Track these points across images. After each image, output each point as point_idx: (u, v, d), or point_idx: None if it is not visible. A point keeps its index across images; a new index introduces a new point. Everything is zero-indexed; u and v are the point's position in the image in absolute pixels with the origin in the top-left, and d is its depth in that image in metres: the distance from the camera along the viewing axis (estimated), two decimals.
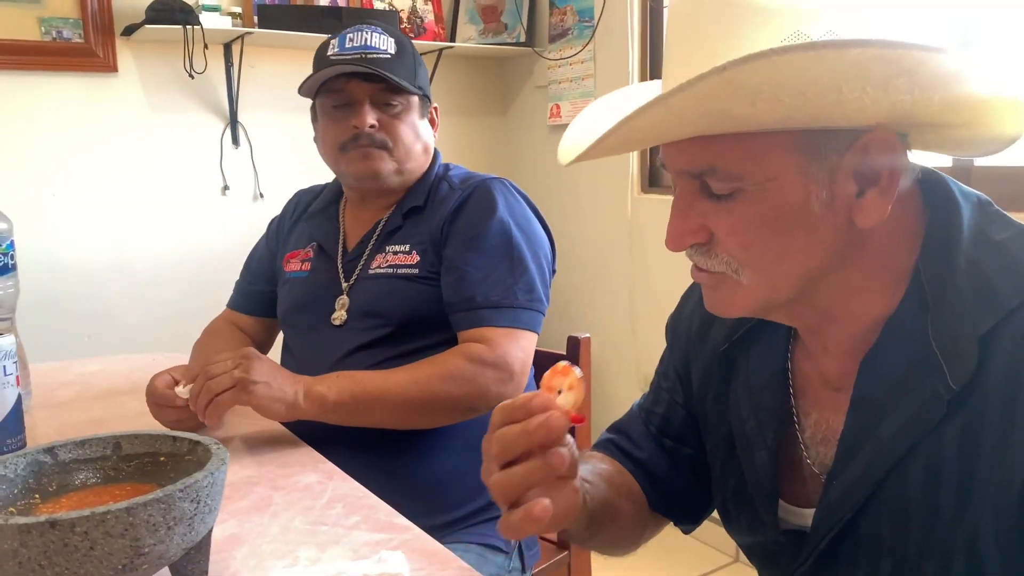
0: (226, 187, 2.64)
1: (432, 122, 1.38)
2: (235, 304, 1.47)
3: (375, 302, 1.26)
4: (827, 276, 0.66)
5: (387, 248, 1.29)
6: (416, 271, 1.25)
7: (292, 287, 1.36)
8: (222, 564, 0.78)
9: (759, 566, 0.84)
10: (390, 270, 1.26)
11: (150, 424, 1.15)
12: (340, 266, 1.33)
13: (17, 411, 1.08)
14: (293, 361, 1.32)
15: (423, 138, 1.33)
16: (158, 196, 2.55)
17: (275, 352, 1.48)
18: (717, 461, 0.83)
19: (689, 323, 0.87)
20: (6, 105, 2.30)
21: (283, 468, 1.03)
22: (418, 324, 1.24)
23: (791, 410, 0.75)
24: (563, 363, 0.65)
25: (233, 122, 2.62)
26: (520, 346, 1.18)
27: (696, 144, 0.63)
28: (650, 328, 2.67)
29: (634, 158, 2.71)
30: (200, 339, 1.44)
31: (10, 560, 0.59)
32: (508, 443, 0.61)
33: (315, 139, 1.37)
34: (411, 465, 1.20)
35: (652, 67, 2.69)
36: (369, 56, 1.25)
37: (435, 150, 1.39)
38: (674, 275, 2.58)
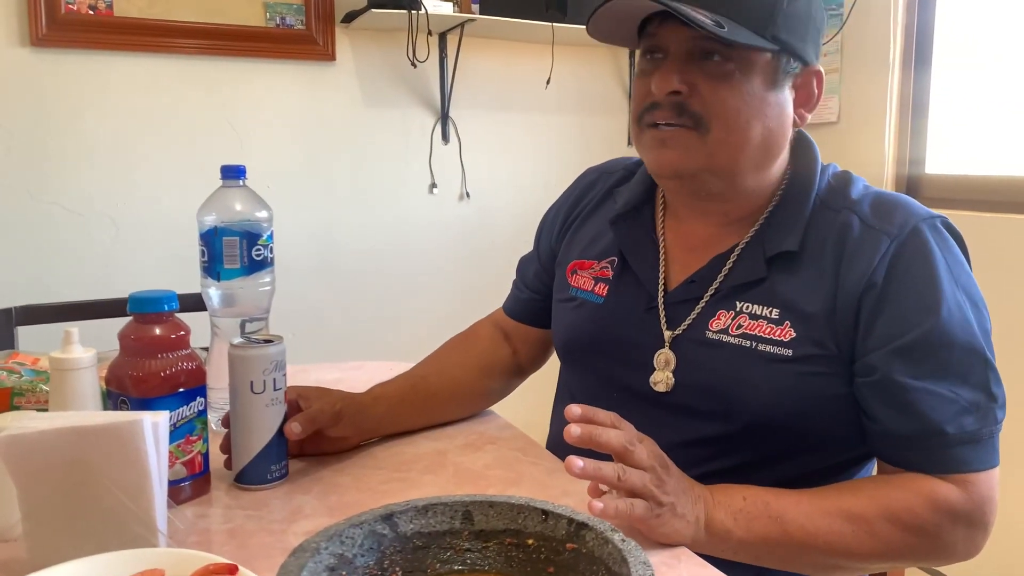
0: (434, 185, 2.50)
1: (804, 96, 0.90)
2: (507, 307, 1.18)
3: (716, 381, 0.87)
4: None
5: (739, 304, 0.88)
6: (789, 351, 0.84)
7: (581, 311, 0.99)
8: None
9: None
10: (744, 341, 0.86)
11: (417, 443, 0.96)
12: (661, 306, 0.93)
13: (283, 433, 0.91)
14: None
15: (767, 116, 0.85)
16: (366, 192, 2.44)
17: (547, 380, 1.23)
18: None
19: None
20: (228, 91, 2.24)
21: None
22: (775, 429, 0.85)
23: None
24: None
25: (444, 117, 2.48)
26: (996, 484, 0.83)
27: None
28: None
29: (890, 162, 2.34)
30: (455, 339, 1.18)
31: None
32: None
33: None
34: None
35: (918, 64, 2.32)
36: None
37: (811, 143, 0.94)
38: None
